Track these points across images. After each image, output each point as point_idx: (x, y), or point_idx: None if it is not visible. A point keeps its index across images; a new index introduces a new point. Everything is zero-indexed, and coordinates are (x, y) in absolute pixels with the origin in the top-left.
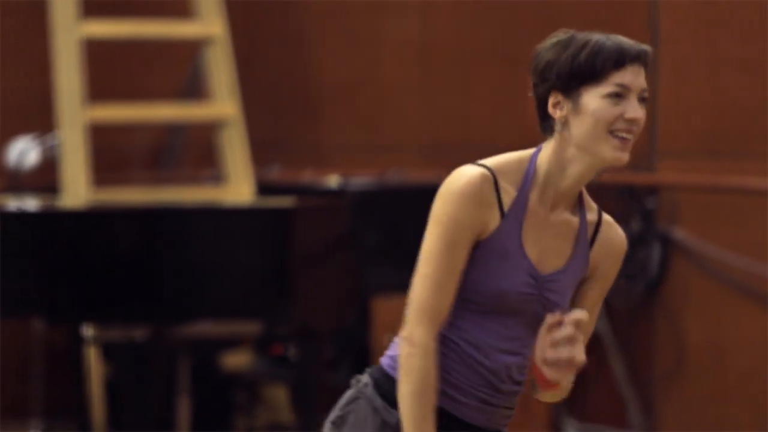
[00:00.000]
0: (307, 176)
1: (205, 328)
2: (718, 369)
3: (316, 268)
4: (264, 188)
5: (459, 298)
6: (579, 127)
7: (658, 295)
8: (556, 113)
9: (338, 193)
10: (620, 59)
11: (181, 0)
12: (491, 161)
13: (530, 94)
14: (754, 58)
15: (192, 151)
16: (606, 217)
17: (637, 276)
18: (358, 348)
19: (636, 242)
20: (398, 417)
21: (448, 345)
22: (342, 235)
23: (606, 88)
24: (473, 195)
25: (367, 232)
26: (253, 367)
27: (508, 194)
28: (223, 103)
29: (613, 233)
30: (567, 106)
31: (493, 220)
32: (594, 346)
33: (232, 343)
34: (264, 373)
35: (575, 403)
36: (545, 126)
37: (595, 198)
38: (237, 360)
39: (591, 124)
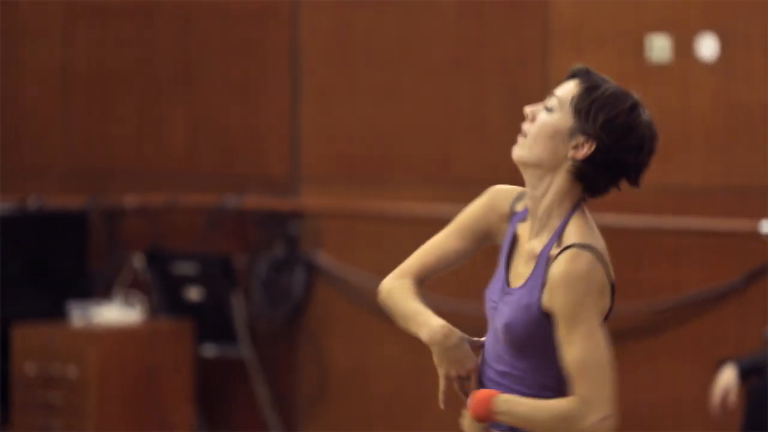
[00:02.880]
0: None
1: None
2: (362, 393)
3: None
4: None
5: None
6: None
7: (302, 320)
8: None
9: None
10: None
11: None
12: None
13: None
14: (392, 86)
15: None
16: (564, 253)
17: (280, 301)
18: None
19: (280, 267)
20: None
21: None
22: None
23: None
24: (492, 196)
25: (7, 258)
26: None
27: (516, 214)
28: None
29: (554, 267)
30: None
31: (503, 230)
32: (237, 370)
33: None
34: None
35: (218, 429)
36: None
37: (238, 223)
38: None
39: None
